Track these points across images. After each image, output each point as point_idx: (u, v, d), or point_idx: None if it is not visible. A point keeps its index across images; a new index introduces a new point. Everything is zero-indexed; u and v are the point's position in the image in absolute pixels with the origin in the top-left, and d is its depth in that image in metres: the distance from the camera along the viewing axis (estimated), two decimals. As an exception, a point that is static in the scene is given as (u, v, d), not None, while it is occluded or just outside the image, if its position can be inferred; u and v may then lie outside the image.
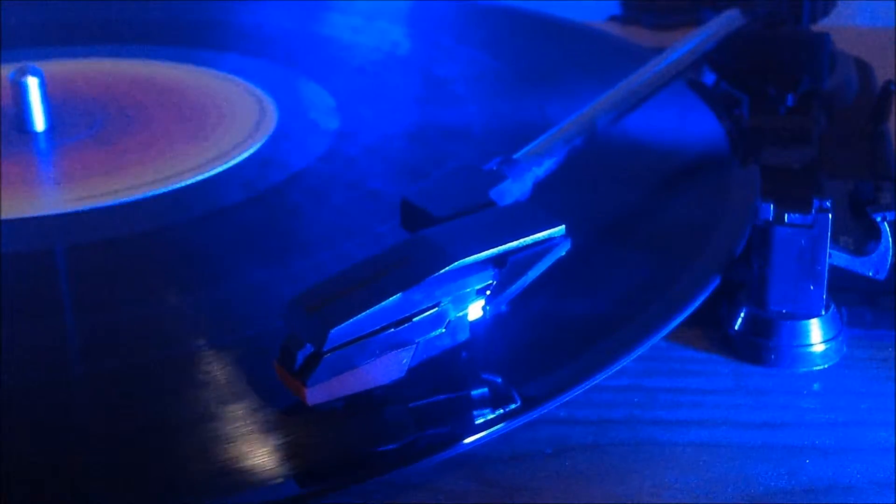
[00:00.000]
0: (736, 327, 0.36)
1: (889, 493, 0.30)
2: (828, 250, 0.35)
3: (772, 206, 0.35)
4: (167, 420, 0.31)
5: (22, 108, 0.50)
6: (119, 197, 0.43)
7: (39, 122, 0.50)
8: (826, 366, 0.36)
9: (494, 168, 0.37)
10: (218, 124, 0.51)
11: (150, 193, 0.44)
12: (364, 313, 0.30)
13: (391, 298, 0.30)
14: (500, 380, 0.32)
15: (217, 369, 0.32)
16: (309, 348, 0.30)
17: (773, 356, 0.36)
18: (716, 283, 0.37)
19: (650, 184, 0.44)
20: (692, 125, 0.49)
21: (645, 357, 0.36)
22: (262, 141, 0.48)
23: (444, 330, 0.31)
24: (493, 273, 0.32)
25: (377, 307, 0.30)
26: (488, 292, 0.32)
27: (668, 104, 0.46)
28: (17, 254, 0.40)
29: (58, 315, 0.36)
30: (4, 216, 0.42)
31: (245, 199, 0.44)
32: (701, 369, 0.36)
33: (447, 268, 0.31)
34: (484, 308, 0.32)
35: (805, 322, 0.36)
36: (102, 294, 0.37)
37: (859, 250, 0.36)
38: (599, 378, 0.32)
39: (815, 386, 0.35)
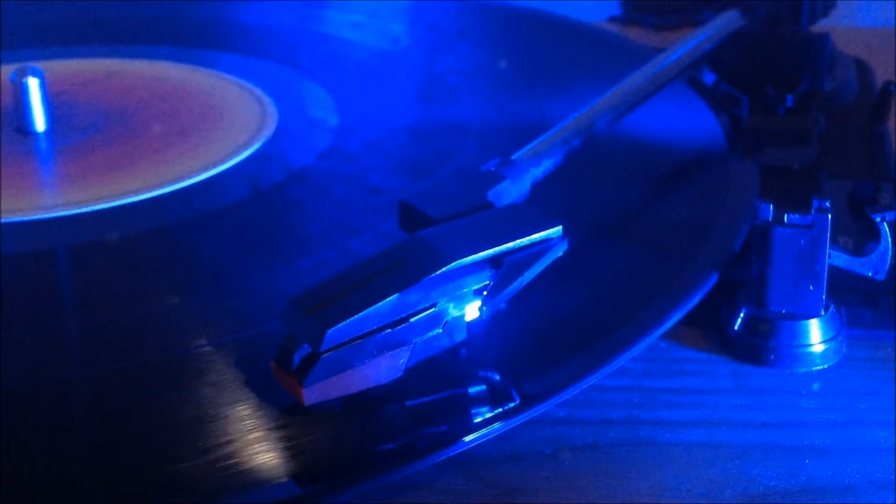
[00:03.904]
0: (735, 328, 0.36)
1: (888, 493, 0.30)
2: (827, 250, 0.35)
3: (771, 206, 0.35)
4: (167, 421, 0.31)
5: (22, 109, 0.50)
6: (119, 198, 0.43)
7: (40, 122, 0.50)
8: (825, 366, 0.36)
9: (493, 169, 0.37)
10: (218, 124, 0.51)
11: (151, 194, 0.44)
12: (361, 314, 0.30)
13: (388, 299, 0.30)
14: (498, 378, 0.32)
15: (217, 370, 0.32)
16: (306, 349, 0.30)
17: (772, 356, 0.36)
18: (714, 280, 0.37)
19: (648, 181, 0.44)
20: (690, 122, 0.49)
21: (645, 357, 0.36)
22: (262, 141, 0.48)
23: (441, 330, 0.31)
24: (489, 274, 0.32)
25: (374, 308, 0.30)
26: (485, 293, 0.32)
27: (666, 101, 0.46)
28: (18, 255, 0.40)
29: (58, 316, 0.36)
30: (4, 217, 0.42)
31: (245, 198, 0.44)
32: (700, 369, 0.36)
33: (443, 269, 0.31)
34: (481, 308, 0.32)
35: (804, 322, 0.36)
36: (103, 295, 0.37)
37: (859, 251, 0.36)
38: (599, 376, 0.32)
39: (815, 386, 0.35)
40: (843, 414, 0.34)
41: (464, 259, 0.31)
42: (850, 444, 0.32)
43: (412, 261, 0.31)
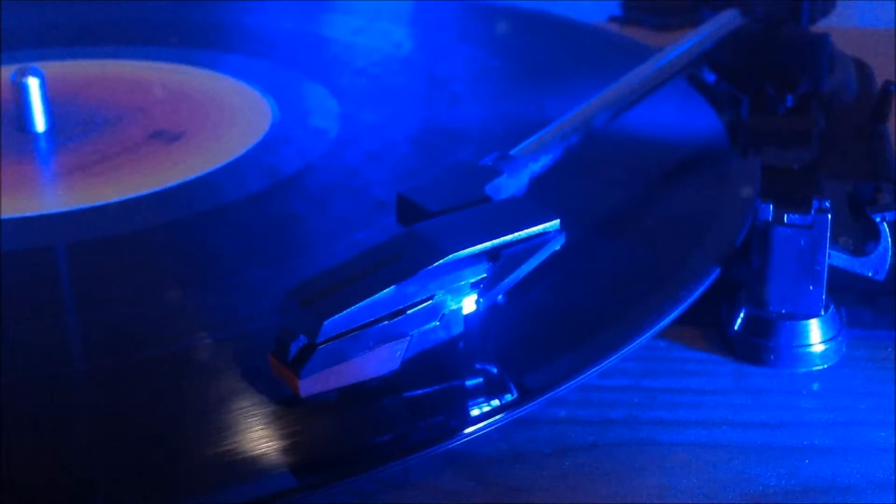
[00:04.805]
0: (735, 328, 0.36)
1: (888, 493, 0.30)
2: (827, 250, 0.35)
3: (771, 206, 0.35)
4: (165, 415, 0.31)
5: (23, 109, 0.50)
6: (118, 196, 0.44)
7: (40, 122, 0.50)
8: (825, 366, 0.36)
9: (490, 164, 0.37)
10: (217, 124, 0.51)
11: (150, 192, 0.44)
12: (357, 305, 0.30)
13: (385, 291, 0.30)
14: (496, 371, 0.32)
15: (215, 365, 0.32)
16: (303, 340, 0.30)
17: (772, 356, 0.36)
18: (715, 274, 0.37)
19: (648, 177, 0.44)
20: (690, 118, 0.49)
21: (645, 357, 0.36)
22: (261, 141, 0.48)
23: (438, 322, 0.31)
24: (487, 266, 0.32)
25: (371, 299, 0.30)
26: (482, 286, 0.32)
27: (667, 98, 0.46)
28: (18, 253, 0.40)
29: (58, 313, 0.36)
30: (4, 216, 0.42)
31: (244, 197, 0.44)
32: (701, 369, 0.36)
33: (440, 261, 0.31)
34: (478, 301, 0.32)
35: (804, 322, 0.36)
36: (102, 292, 0.37)
37: (859, 250, 0.36)
38: (598, 370, 0.32)
39: (815, 386, 0.35)
40: (843, 414, 0.34)
41: (461, 252, 0.31)
42: (850, 444, 0.32)
43: (409, 253, 0.31)
